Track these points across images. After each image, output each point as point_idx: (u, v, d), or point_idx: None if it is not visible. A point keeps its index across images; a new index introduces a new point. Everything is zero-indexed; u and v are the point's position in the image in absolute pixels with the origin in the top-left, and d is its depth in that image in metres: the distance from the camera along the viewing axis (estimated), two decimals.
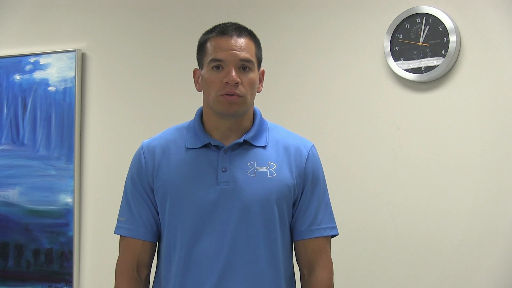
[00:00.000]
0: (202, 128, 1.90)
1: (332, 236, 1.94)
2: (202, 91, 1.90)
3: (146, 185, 1.89)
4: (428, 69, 2.73)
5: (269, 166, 1.85)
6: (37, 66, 3.44)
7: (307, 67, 3.00)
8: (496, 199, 2.63)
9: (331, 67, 2.95)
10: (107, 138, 3.36)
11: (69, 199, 3.35)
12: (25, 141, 3.44)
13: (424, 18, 2.74)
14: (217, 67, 1.82)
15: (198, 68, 1.92)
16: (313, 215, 1.90)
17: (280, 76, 3.02)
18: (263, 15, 3.09)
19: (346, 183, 2.87)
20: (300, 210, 1.90)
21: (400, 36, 2.79)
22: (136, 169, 1.92)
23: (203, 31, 1.92)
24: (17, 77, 3.48)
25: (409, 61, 2.77)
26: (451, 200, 2.70)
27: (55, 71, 3.40)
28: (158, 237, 1.93)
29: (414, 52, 2.76)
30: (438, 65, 2.70)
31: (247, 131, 1.89)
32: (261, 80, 1.91)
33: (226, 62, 1.81)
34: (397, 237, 2.78)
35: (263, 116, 1.96)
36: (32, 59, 3.45)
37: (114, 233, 1.94)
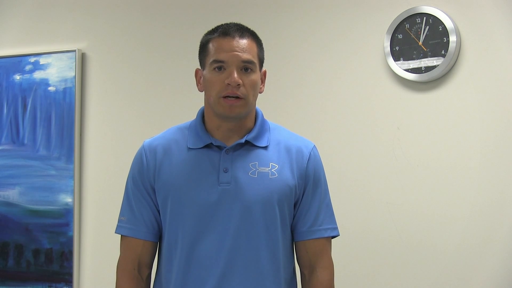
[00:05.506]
0: (204, 128, 1.89)
1: (333, 237, 1.94)
2: (203, 91, 1.90)
3: (147, 184, 1.89)
4: (428, 69, 2.73)
5: (270, 166, 1.85)
6: (37, 66, 3.44)
7: (306, 67, 3.00)
8: (496, 199, 2.63)
9: (330, 67, 2.95)
10: (107, 138, 3.36)
11: (69, 199, 3.35)
12: (25, 141, 3.44)
13: (424, 18, 2.74)
14: (219, 68, 1.82)
15: (199, 68, 1.91)
16: (314, 216, 1.90)
17: (279, 76, 3.01)
18: (263, 15, 3.08)
19: (345, 183, 2.87)
20: (301, 211, 1.90)
21: (400, 36, 2.79)
22: (137, 168, 1.91)
23: (204, 30, 1.92)
24: (17, 77, 3.47)
25: (409, 61, 2.77)
26: (451, 200, 2.70)
27: (55, 71, 3.40)
28: (159, 237, 1.92)
29: (414, 52, 2.76)
30: (438, 65, 2.70)
31: (249, 131, 1.89)
32: (262, 81, 1.91)
33: (228, 63, 1.81)
34: (397, 237, 2.78)
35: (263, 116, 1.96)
36: (32, 59, 3.45)
37: (115, 232, 1.93)
